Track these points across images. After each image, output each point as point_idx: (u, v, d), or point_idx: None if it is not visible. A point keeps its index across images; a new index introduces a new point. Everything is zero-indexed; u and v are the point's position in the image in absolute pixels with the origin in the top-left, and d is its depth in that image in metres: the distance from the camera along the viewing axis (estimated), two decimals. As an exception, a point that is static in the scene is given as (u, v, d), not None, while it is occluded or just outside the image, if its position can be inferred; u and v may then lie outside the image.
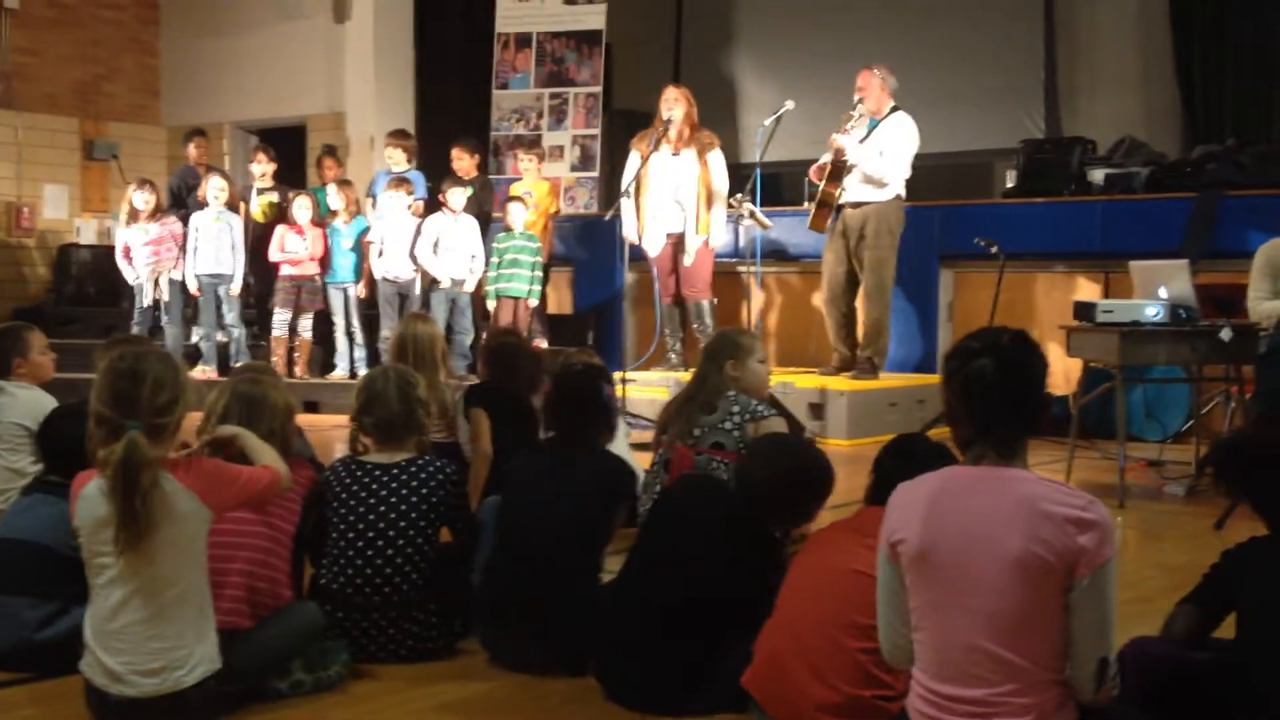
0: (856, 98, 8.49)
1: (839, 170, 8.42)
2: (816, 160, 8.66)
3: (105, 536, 3.03)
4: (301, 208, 9.95)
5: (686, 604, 3.29)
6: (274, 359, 9.88)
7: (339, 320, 10.00)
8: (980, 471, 2.51)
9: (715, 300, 8.95)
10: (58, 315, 11.45)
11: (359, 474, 3.80)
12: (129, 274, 10.14)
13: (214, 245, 9.95)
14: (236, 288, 10.05)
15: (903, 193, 8.49)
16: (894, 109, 8.49)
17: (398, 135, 10.49)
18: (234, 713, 3.24)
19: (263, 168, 10.58)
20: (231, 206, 10.18)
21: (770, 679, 3.02)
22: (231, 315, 10.08)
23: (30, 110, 12.88)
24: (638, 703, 3.31)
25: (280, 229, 9.99)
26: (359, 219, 10.11)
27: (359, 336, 9.98)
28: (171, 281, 10.02)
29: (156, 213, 10.06)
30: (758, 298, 9.25)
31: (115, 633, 3.06)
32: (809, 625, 2.96)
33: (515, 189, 10.05)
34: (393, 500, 3.74)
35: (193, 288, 10.04)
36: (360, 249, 9.96)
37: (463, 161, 10.18)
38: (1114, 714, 2.51)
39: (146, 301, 10.06)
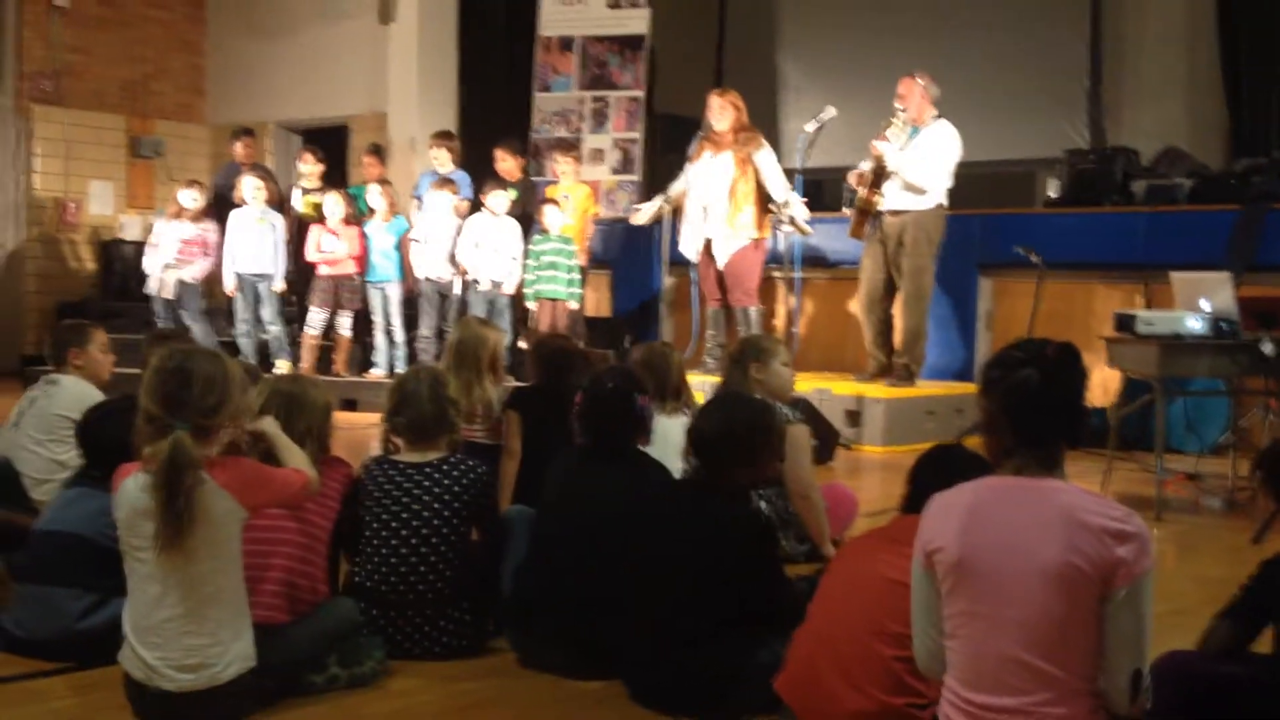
0: (898, 105, 8.47)
1: (879, 177, 8.40)
2: (857, 167, 8.66)
3: (143, 530, 3.06)
4: (334, 205, 10.00)
5: (702, 605, 3.30)
6: (302, 359, 9.95)
7: (378, 319, 10.04)
8: (1018, 482, 2.51)
9: (763, 307, 8.94)
10: (103, 310, 11.55)
11: (391, 473, 3.82)
12: (148, 264, 10.24)
13: (255, 244, 10.02)
14: (278, 285, 10.12)
15: (944, 201, 8.46)
16: (936, 117, 8.47)
17: (442, 136, 10.55)
18: (270, 706, 3.27)
19: (310, 168, 10.64)
20: (271, 204, 10.23)
21: (803, 685, 3.02)
22: (269, 313, 10.15)
23: (78, 107, 13.05)
24: (665, 706, 3.32)
25: (316, 229, 10.03)
26: (398, 219, 10.16)
27: (398, 335, 10.01)
28: (180, 282, 10.08)
29: (200, 215, 10.17)
30: (795, 303, 9.24)
31: (152, 628, 3.09)
32: (843, 632, 2.96)
33: (552, 192, 10.08)
34: (425, 499, 3.76)
35: (230, 285, 10.11)
36: (401, 249, 10.01)
37: (506, 163, 10.21)
38: (1147, 727, 2.51)
39: (152, 289, 10.14)
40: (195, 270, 10.15)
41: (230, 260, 10.07)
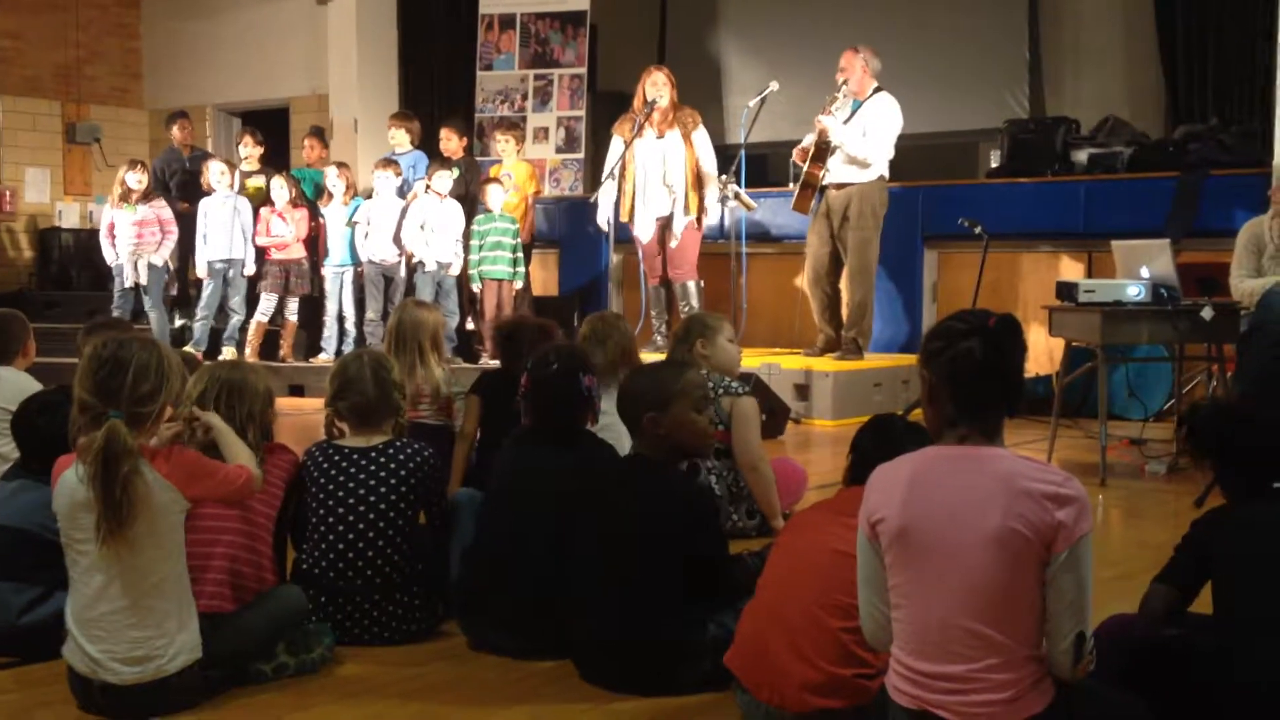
0: (840, 79, 8.48)
1: (822, 152, 8.41)
2: (800, 141, 8.67)
3: (83, 522, 3.03)
4: (279, 189, 9.89)
5: (649, 582, 3.31)
6: (248, 344, 9.84)
7: (331, 305, 9.93)
8: (958, 451, 2.53)
9: (702, 282, 8.95)
10: (40, 299, 11.41)
11: (336, 458, 3.79)
12: (109, 254, 10.07)
13: (225, 230, 9.90)
14: (249, 270, 9.99)
15: (886, 173, 8.49)
16: (877, 89, 8.49)
17: (400, 116, 10.47)
18: (217, 696, 3.25)
19: (249, 150, 10.52)
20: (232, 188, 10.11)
21: (752, 658, 3.03)
22: (236, 299, 10.03)
23: (12, 93, 12.82)
24: (616, 685, 3.32)
25: (264, 213, 9.93)
26: (357, 200, 10.04)
27: (350, 321, 9.92)
28: (151, 266, 9.94)
29: (148, 194, 10.01)
30: (742, 279, 9.25)
31: (95, 621, 3.06)
32: (791, 605, 2.98)
33: (494, 171, 10.03)
34: (371, 484, 3.73)
35: (201, 272, 9.98)
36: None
37: (450, 142, 10.15)
38: (1090, 689, 2.53)
39: (127, 283, 9.99)
40: (164, 251, 10.00)
41: (202, 246, 9.94)
